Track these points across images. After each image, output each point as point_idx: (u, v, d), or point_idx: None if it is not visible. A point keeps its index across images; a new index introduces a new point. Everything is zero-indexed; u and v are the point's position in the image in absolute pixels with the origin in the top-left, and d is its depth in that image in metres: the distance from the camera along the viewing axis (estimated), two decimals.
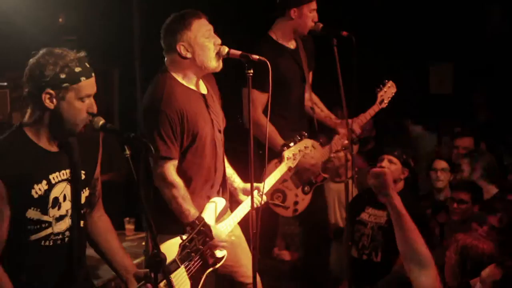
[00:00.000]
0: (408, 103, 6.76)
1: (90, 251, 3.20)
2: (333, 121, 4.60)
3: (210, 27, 3.42)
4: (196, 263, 3.33)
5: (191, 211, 3.35)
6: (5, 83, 5.05)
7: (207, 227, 3.10)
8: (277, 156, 3.88)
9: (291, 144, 3.84)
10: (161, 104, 3.33)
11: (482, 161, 5.03)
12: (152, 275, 2.52)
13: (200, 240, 3.04)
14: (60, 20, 6.44)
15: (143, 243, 4.56)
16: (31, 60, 2.58)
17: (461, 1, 6.59)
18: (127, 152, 2.52)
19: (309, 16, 4.35)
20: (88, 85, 2.59)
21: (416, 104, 6.86)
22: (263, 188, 3.49)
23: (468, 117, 6.66)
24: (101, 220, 2.95)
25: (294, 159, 3.85)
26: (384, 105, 4.54)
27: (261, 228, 3.29)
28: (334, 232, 5.14)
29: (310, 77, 4.60)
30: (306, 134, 3.95)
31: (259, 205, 3.52)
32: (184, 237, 3.07)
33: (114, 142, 2.73)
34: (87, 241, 2.94)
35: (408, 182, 4.80)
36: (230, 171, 3.69)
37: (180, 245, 2.99)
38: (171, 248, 3.04)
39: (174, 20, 3.41)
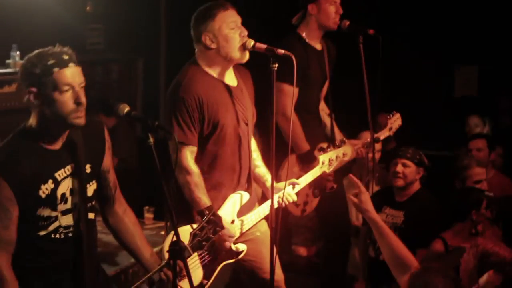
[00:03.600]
0: (432, 105, 6.77)
1: (109, 238, 3.23)
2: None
3: (237, 18, 3.42)
4: (210, 254, 3.34)
5: (203, 199, 3.34)
6: None
7: (217, 216, 3.11)
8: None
9: (329, 149, 3.79)
10: (180, 90, 3.35)
11: None
12: (173, 263, 2.54)
13: (211, 229, 3.05)
14: (88, 8, 6.48)
15: (162, 232, 4.59)
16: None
17: (489, 4, 6.53)
18: (151, 140, 2.52)
19: (329, 9, 4.31)
20: (64, 75, 2.53)
21: (440, 106, 6.82)
22: (284, 185, 3.47)
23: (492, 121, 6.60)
24: (126, 216, 2.95)
25: (330, 165, 3.80)
26: (391, 133, 4.58)
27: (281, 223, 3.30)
28: (353, 230, 5.13)
29: (327, 85, 4.58)
30: (346, 140, 3.91)
31: (286, 203, 3.51)
32: (195, 225, 3.08)
33: (122, 129, 2.75)
34: (113, 236, 2.97)
35: (424, 181, 4.77)
36: (263, 170, 3.65)
37: (190, 233, 3.01)
38: (182, 234, 3.04)
39: (201, 11, 3.44)
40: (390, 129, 4.56)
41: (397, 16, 6.60)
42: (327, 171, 3.82)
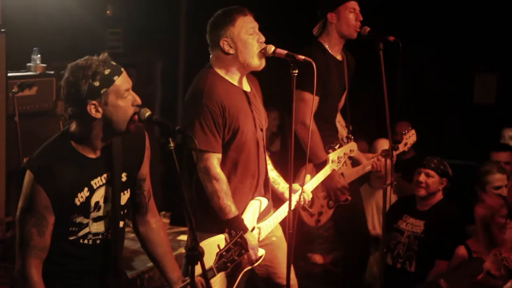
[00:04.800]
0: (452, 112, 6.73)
1: (126, 242, 3.23)
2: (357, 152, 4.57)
3: (255, 24, 3.41)
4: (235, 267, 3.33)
5: (232, 208, 3.33)
6: (52, 72, 5.12)
7: (243, 239, 3.12)
8: None
9: (337, 146, 3.82)
10: (203, 97, 3.33)
11: None
12: (190, 268, 2.53)
13: (237, 251, 3.05)
14: (108, 12, 6.51)
15: (178, 238, 4.60)
16: (63, 81, 2.58)
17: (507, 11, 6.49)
18: (171, 144, 2.50)
19: (349, 17, 4.29)
20: (123, 81, 2.58)
21: (459, 114, 6.78)
22: (301, 186, 3.49)
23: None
24: (157, 226, 2.93)
25: (338, 162, 3.84)
26: (406, 148, 4.59)
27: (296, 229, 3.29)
28: (372, 239, 5.11)
29: (345, 95, 4.56)
30: (352, 137, 3.93)
31: (305, 202, 3.53)
32: (222, 245, 3.08)
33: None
34: (141, 245, 2.95)
35: (447, 192, 4.75)
36: (274, 174, 3.66)
37: (217, 254, 3.00)
38: (207, 248, 3.04)
39: (219, 15, 3.42)
40: (405, 144, 4.57)
41: (417, 22, 6.57)
42: (336, 168, 3.88)
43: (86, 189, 2.63)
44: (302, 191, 3.54)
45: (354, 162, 4.46)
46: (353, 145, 3.97)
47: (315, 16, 4.45)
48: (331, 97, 4.40)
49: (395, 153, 4.45)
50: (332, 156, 3.82)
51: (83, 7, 5.76)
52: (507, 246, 3.87)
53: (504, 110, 6.69)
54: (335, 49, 4.41)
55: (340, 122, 4.60)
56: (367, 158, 4.48)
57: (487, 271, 3.46)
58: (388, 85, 4.18)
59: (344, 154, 3.88)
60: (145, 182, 2.85)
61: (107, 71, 2.54)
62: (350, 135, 3.97)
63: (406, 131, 4.61)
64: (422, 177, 4.67)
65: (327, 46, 4.39)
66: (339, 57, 4.45)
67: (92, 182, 2.65)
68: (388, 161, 4.33)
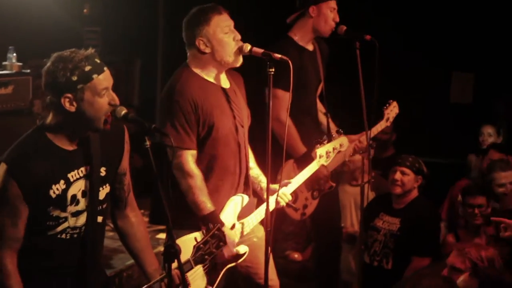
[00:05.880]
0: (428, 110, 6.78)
1: (105, 241, 3.22)
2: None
3: (230, 22, 3.41)
4: (212, 261, 3.32)
5: (207, 204, 3.32)
6: (28, 70, 5.09)
7: (221, 232, 3.11)
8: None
9: (325, 141, 3.76)
10: (174, 94, 3.34)
11: None
12: (166, 265, 2.54)
13: (214, 243, 3.05)
14: (85, 11, 6.48)
15: (157, 236, 4.60)
16: (44, 69, 2.58)
17: (487, 11, 6.55)
18: (147, 143, 2.52)
19: (329, 15, 4.32)
20: (103, 79, 2.58)
21: (435, 112, 6.84)
22: (278, 187, 3.47)
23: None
24: (136, 221, 2.94)
25: (327, 157, 3.74)
26: (389, 123, 4.56)
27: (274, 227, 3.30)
28: (346, 236, 5.13)
29: (321, 85, 4.57)
30: (342, 131, 3.88)
31: (285, 202, 3.51)
32: (199, 238, 3.07)
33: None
34: (120, 239, 2.95)
35: (422, 189, 4.78)
36: (257, 171, 3.64)
37: (194, 246, 2.99)
38: (185, 244, 3.05)
39: (194, 14, 3.41)
40: (388, 119, 4.53)
41: (394, 22, 6.61)
42: (325, 163, 3.79)
43: (62, 181, 2.62)
44: (285, 186, 3.52)
45: None
46: (343, 140, 3.87)
47: (286, 14, 4.46)
48: (308, 89, 4.42)
49: (378, 130, 4.44)
50: (320, 151, 3.71)
51: (60, 6, 5.74)
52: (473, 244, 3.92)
53: (481, 109, 6.76)
54: (305, 41, 4.42)
55: (320, 109, 4.60)
56: (350, 141, 4.42)
57: (451, 266, 3.50)
58: (365, 84, 4.20)
59: (333, 149, 3.78)
60: (125, 177, 2.86)
61: (87, 68, 2.54)
62: (340, 130, 3.90)
63: (387, 104, 4.54)
64: (398, 175, 4.70)
65: (297, 39, 4.40)
66: (310, 47, 4.46)
67: (69, 175, 2.64)
68: (366, 159, 4.35)
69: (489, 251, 3.54)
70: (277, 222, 3.41)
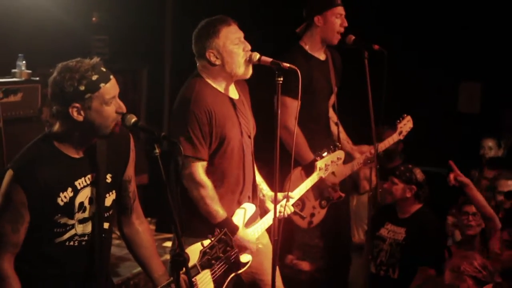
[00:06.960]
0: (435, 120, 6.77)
1: (112, 248, 3.22)
2: (350, 146, 4.58)
3: (240, 33, 3.42)
4: (221, 267, 3.32)
5: (219, 212, 3.35)
6: (37, 78, 5.11)
7: (228, 236, 3.11)
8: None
9: (324, 154, 3.85)
10: (190, 104, 3.35)
11: None
12: (175, 274, 2.54)
13: (221, 248, 3.04)
14: (94, 19, 6.51)
15: (163, 244, 4.59)
16: (50, 79, 2.59)
17: (496, 21, 6.56)
18: (157, 151, 2.52)
19: (335, 22, 4.31)
20: (110, 88, 2.59)
21: (443, 122, 6.83)
22: (285, 196, 3.48)
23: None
24: (142, 228, 2.94)
25: (326, 170, 3.86)
26: (402, 136, 4.56)
27: (282, 235, 3.30)
28: (354, 247, 5.12)
29: (334, 94, 4.57)
30: (340, 145, 3.97)
31: (287, 213, 3.52)
32: (206, 243, 3.07)
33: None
34: (127, 246, 2.95)
35: (424, 199, 4.72)
36: (259, 179, 3.67)
37: (200, 251, 3.00)
38: (194, 251, 3.04)
39: (203, 27, 3.43)
40: (400, 133, 4.54)
41: (403, 31, 6.62)
42: (324, 176, 3.89)
43: (69, 189, 2.63)
44: (287, 201, 3.52)
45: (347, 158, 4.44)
46: (340, 153, 3.99)
47: (297, 22, 4.46)
48: (318, 97, 4.43)
49: (390, 142, 4.45)
50: (320, 163, 3.84)
51: (68, 14, 5.76)
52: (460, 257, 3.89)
53: (489, 119, 6.75)
54: (317, 50, 4.43)
55: (332, 118, 4.60)
56: (360, 152, 4.46)
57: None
58: (373, 93, 4.20)
59: (332, 162, 3.90)
60: (131, 184, 2.87)
61: (94, 77, 2.55)
62: (338, 144, 3.99)
63: (401, 118, 4.55)
64: (387, 184, 4.73)
65: (307, 48, 4.41)
66: (322, 57, 4.47)
67: (76, 183, 2.65)
68: (373, 168, 4.35)
69: (478, 259, 3.56)
70: (284, 231, 3.41)
